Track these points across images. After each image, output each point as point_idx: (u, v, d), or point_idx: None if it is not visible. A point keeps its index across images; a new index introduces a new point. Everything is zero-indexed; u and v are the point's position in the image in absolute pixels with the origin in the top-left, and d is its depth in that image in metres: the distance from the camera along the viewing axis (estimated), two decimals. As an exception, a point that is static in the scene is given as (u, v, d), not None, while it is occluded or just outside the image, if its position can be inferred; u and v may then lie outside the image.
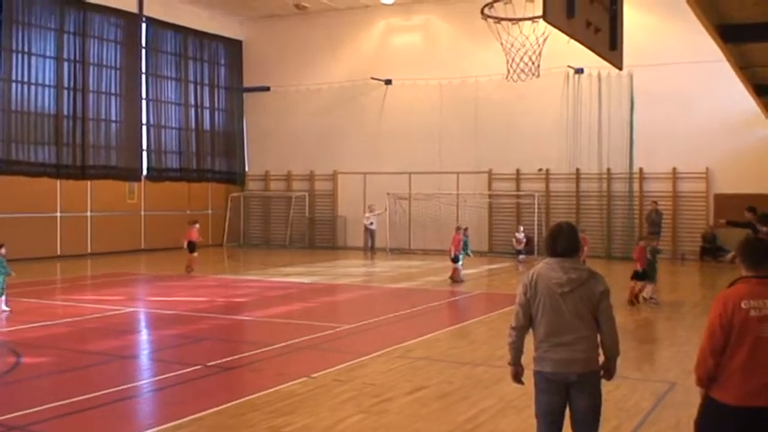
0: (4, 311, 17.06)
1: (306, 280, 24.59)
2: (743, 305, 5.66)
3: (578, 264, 6.32)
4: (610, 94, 32.17)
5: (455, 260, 23.56)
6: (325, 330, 15.13)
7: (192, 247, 25.82)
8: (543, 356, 6.25)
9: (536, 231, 32.05)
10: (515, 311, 6.39)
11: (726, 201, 30.42)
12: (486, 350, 13.41)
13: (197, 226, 26.41)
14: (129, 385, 11.17)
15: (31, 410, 9.36)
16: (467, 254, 24.30)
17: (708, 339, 5.81)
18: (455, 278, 23.38)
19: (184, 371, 11.65)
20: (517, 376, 6.51)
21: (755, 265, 5.85)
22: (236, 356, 13.04)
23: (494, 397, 10.09)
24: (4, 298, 17.18)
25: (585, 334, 6.18)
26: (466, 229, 25.10)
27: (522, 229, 28.99)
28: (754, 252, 5.89)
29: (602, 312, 6.22)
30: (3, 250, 17.44)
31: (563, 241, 6.32)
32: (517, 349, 6.42)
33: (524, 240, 30.27)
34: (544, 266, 6.33)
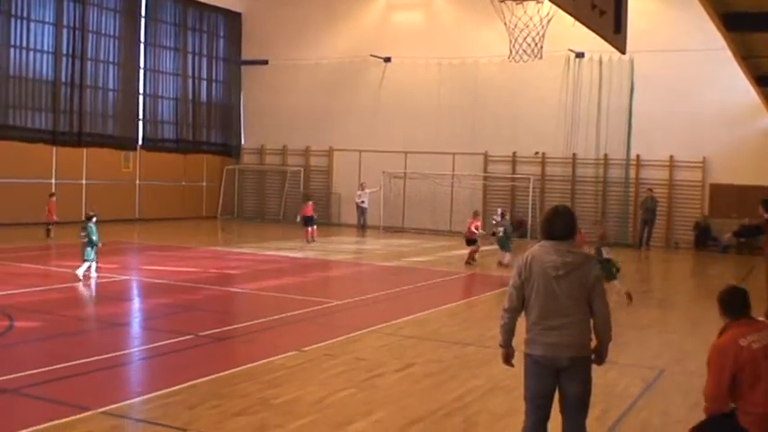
0: (91, 278, 17.26)
1: (299, 255, 24.61)
2: (741, 342, 5.92)
3: (574, 247, 6.30)
4: (610, 79, 32.10)
5: (471, 243, 23.45)
6: (316, 305, 15.17)
7: (307, 221, 28.20)
8: (535, 339, 6.23)
9: (530, 214, 32.09)
10: (509, 293, 6.36)
11: (721, 191, 30.51)
12: (476, 330, 13.46)
13: (311, 203, 29.09)
14: (122, 352, 11.20)
15: (23, 374, 9.38)
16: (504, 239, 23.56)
17: (715, 387, 5.99)
18: (471, 259, 23.38)
19: (177, 339, 11.68)
20: (508, 358, 6.51)
21: (736, 312, 6.17)
22: (228, 327, 13.09)
23: (483, 377, 10.13)
24: (94, 265, 17.39)
25: (578, 318, 6.17)
26: (503, 214, 24.41)
27: (500, 211, 26.00)
28: (733, 301, 6.22)
29: (596, 297, 6.20)
30: (94, 220, 17.70)
31: (559, 224, 6.30)
32: (509, 331, 6.41)
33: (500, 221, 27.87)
34: (539, 249, 6.30)
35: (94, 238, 17.20)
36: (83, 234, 17.41)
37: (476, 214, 24.56)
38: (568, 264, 6.16)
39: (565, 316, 6.14)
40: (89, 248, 17.17)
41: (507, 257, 22.55)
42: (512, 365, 6.53)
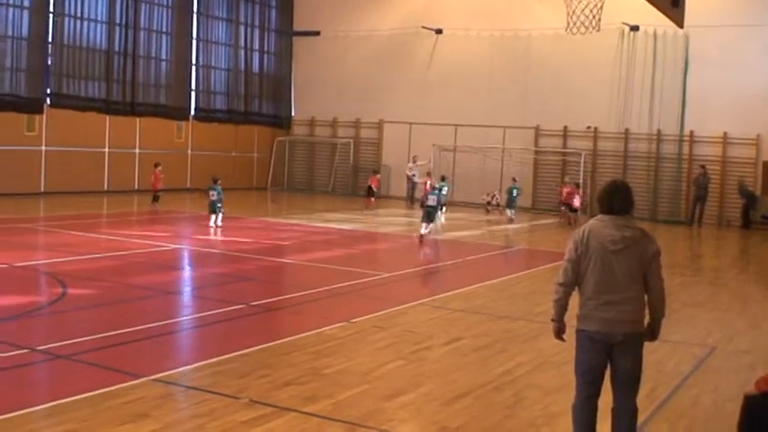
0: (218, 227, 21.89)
1: (347, 227, 24.69)
2: None
3: (631, 222, 6.24)
4: (665, 53, 31.58)
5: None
6: (365, 277, 15.23)
7: (370, 191, 32.50)
8: (589, 314, 6.19)
9: (581, 189, 31.84)
10: (564, 267, 6.30)
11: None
12: (524, 305, 13.44)
13: (377, 176, 33.93)
14: (174, 320, 11.38)
15: (77, 340, 9.56)
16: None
17: None
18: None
19: (228, 308, 11.81)
20: (559, 333, 6.47)
21: None
22: (278, 298, 13.22)
23: (532, 351, 10.12)
24: (221, 216, 22.15)
25: (634, 294, 6.12)
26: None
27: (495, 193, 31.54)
28: None
29: (653, 273, 6.16)
30: (219, 182, 22.66)
31: (619, 199, 6.24)
32: (563, 306, 6.36)
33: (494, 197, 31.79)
34: (597, 223, 6.25)
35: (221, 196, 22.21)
36: (213, 193, 22.13)
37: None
38: (627, 239, 6.12)
39: (621, 291, 6.10)
40: (219, 204, 22.01)
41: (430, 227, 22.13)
42: (563, 340, 6.50)
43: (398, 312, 12.11)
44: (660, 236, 24.84)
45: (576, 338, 6.32)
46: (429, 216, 21.49)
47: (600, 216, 6.29)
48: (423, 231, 21.41)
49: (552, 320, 6.47)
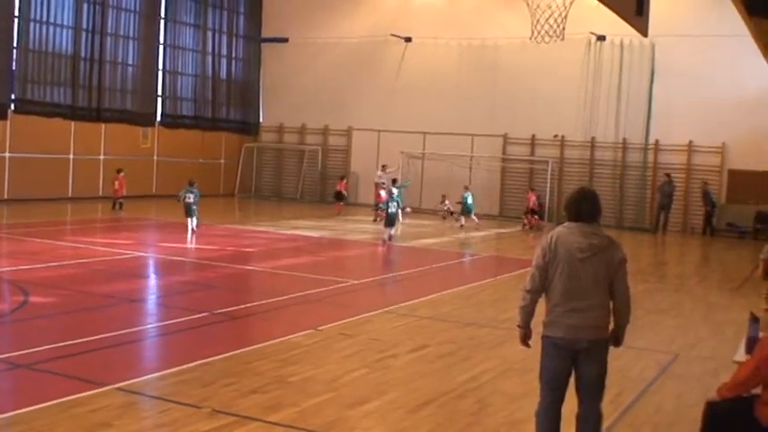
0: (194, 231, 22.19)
1: (315, 234, 24.64)
2: None
3: (599, 229, 6.27)
4: (631, 63, 31.86)
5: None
6: (332, 284, 15.19)
7: (338, 196, 32.78)
8: (555, 321, 6.20)
9: (548, 197, 32.02)
10: (531, 274, 6.31)
11: (740, 177, 30.32)
12: (490, 312, 13.47)
13: (345, 180, 34.05)
14: (137, 328, 11.26)
15: (38, 349, 9.44)
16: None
17: (751, 376, 5.88)
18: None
19: (193, 317, 11.73)
20: (525, 339, 6.47)
21: None
22: (244, 305, 13.13)
23: (497, 358, 10.14)
24: (196, 219, 22.38)
25: (599, 301, 6.16)
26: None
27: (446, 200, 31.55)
28: None
29: (619, 280, 6.19)
30: (196, 184, 22.92)
31: (586, 206, 6.27)
32: (529, 313, 6.37)
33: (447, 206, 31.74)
34: (565, 230, 6.26)
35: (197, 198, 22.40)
36: (189, 196, 22.15)
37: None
38: (594, 246, 6.15)
39: (588, 298, 6.13)
40: (195, 207, 22.19)
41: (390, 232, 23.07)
42: (529, 346, 6.51)
43: (365, 320, 12.09)
44: (625, 243, 24.91)
45: (542, 345, 6.34)
46: (390, 221, 22.50)
47: (567, 223, 6.31)
48: (385, 237, 22.29)
49: (518, 327, 6.48)
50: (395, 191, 24.79)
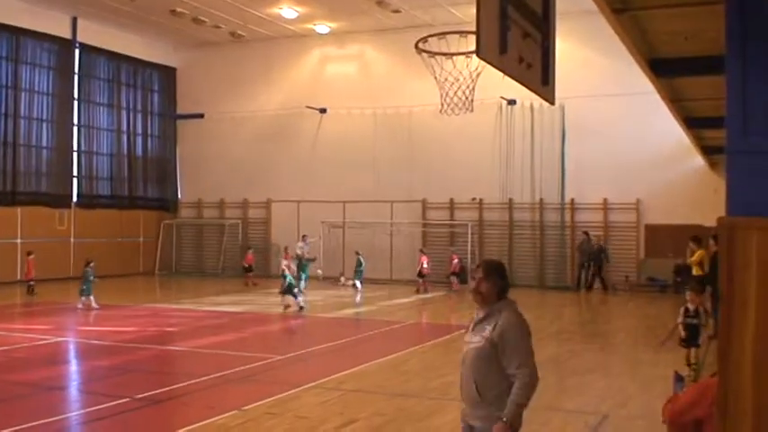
0: (95, 308, 23.06)
1: (237, 309, 24.35)
2: None
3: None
4: (542, 125, 32.60)
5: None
6: (257, 361, 14.97)
7: (247, 269, 33.05)
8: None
9: (469, 260, 32.24)
10: (533, 360, 5.78)
11: (657, 231, 31.00)
12: (418, 382, 13.39)
13: (251, 252, 34.04)
14: (57, 418, 10.90)
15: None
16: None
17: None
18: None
19: (113, 403, 11.40)
20: None
21: None
22: (165, 388, 12.82)
23: (426, 430, 10.06)
24: (92, 297, 23.28)
25: None
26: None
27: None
28: None
29: None
30: (92, 265, 23.82)
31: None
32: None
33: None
34: (515, 304, 5.92)
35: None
36: (90, 273, 23.45)
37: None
38: None
39: None
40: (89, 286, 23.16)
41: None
42: None
43: (291, 396, 11.91)
44: (548, 302, 25.35)
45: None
46: (288, 289, 23.82)
47: (510, 298, 5.93)
48: (301, 304, 23.54)
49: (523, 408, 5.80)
50: (298, 251, 25.51)
